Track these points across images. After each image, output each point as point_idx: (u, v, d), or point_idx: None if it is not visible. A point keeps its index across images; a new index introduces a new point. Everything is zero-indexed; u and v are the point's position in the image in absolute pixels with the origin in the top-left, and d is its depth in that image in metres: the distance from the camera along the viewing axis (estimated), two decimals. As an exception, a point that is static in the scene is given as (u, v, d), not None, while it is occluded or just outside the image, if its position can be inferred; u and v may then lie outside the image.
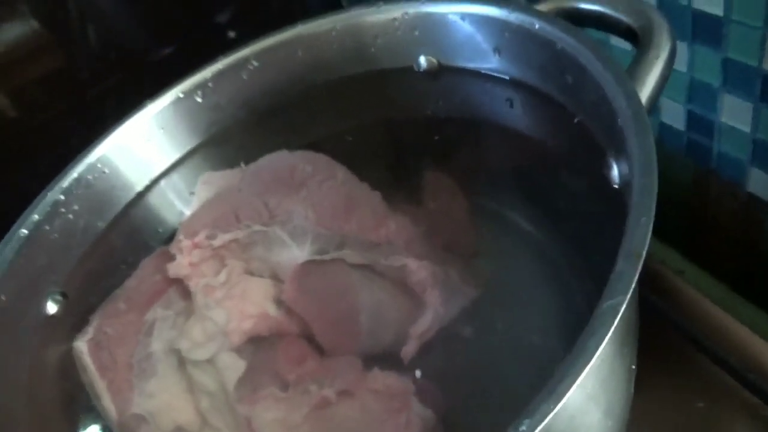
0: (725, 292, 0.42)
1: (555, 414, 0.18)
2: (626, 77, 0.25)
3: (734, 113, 0.40)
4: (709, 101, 0.41)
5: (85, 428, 0.34)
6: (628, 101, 0.24)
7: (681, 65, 0.42)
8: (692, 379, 0.38)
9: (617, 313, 0.17)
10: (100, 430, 0.34)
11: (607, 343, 0.18)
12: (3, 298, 0.32)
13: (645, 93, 0.28)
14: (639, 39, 0.30)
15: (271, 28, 0.41)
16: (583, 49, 0.28)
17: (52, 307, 0.35)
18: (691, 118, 0.44)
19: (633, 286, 0.18)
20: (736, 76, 0.38)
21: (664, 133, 0.47)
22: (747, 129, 0.40)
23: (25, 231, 0.34)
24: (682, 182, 0.49)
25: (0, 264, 0.33)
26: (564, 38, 0.29)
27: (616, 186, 0.26)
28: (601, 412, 0.22)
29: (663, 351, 0.39)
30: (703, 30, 0.38)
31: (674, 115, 0.45)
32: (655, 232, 0.47)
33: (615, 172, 0.26)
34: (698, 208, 0.49)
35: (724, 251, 0.49)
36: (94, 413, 0.34)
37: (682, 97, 0.43)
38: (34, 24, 0.57)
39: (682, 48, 0.41)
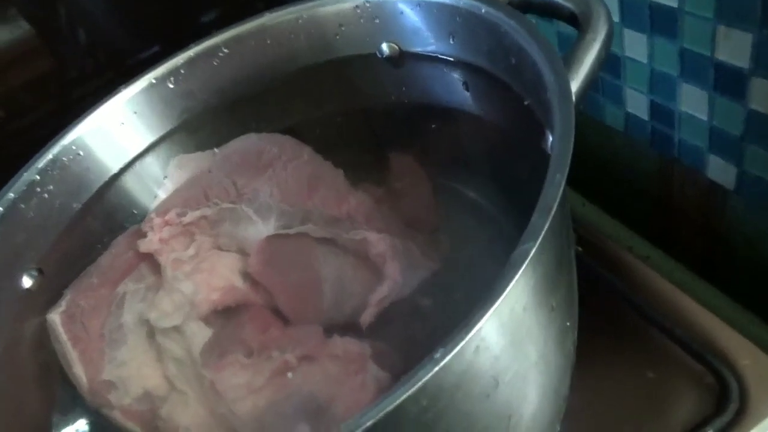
0: (689, 277, 0.44)
1: (476, 349, 0.19)
2: (555, 54, 0.27)
3: (692, 102, 0.42)
4: (669, 91, 0.43)
5: (59, 396, 0.36)
6: (555, 75, 0.26)
7: (642, 56, 0.44)
8: (644, 351, 0.40)
9: (527, 257, 0.19)
10: (73, 398, 0.35)
11: (519, 285, 0.19)
12: (-21, 271, 0.34)
13: (583, 72, 0.30)
14: (580, 23, 0.32)
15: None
16: (522, 31, 0.30)
17: (27, 282, 0.36)
18: (654, 108, 0.45)
19: (543, 234, 0.19)
20: (691, 66, 0.40)
21: (630, 123, 0.48)
22: (704, 117, 0.41)
23: (0, 209, 0.36)
24: (648, 171, 0.51)
25: (-24, 239, 0.34)
26: (506, 21, 0.31)
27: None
28: (530, 362, 0.24)
29: (618, 326, 0.41)
30: (660, 22, 0.40)
31: (638, 106, 0.46)
32: (622, 219, 0.49)
33: (549, 143, 0.27)
34: (663, 196, 0.51)
35: (689, 237, 0.51)
36: (68, 381, 0.35)
37: (644, 87, 0.45)
38: (24, 27, 0.59)
39: (642, 40, 0.43)
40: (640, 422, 0.36)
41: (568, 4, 0.32)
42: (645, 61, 0.43)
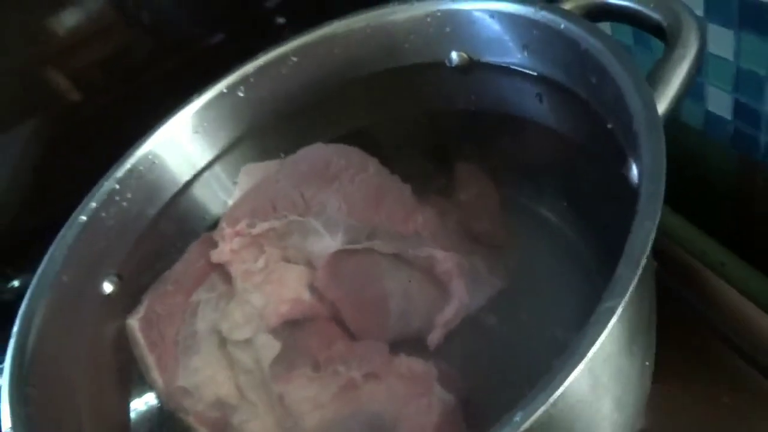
0: (766, 285, 0.41)
1: (552, 404, 0.19)
2: (644, 83, 0.26)
3: (782, 102, 0.39)
4: (756, 90, 0.40)
5: (136, 397, 0.37)
6: (644, 107, 0.24)
7: (728, 53, 0.41)
8: (719, 374, 0.38)
9: (613, 315, 0.18)
10: (149, 399, 0.37)
11: (605, 343, 0.19)
12: (65, 278, 0.35)
13: (669, 92, 0.28)
14: (667, 37, 0.30)
15: (319, 14, 0.42)
16: (605, 51, 0.28)
17: (108, 287, 0.38)
18: (738, 107, 0.43)
19: (631, 289, 0.19)
20: (784, 64, 0.38)
21: (709, 121, 0.46)
22: (794, 119, 0.39)
23: (83, 217, 0.37)
24: (727, 172, 0.48)
25: (61, 248, 0.36)
26: (588, 39, 0.29)
27: (635, 185, 0.26)
28: (611, 405, 0.23)
29: (692, 346, 0.39)
30: (750, 17, 0.37)
31: (720, 104, 0.44)
32: (697, 222, 0.47)
33: (634, 172, 0.26)
34: (743, 199, 0.49)
35: (768, 243, 0.48)
36: (145, 383, 0.37)
37: (728, 85, 0.42)
38: (91, 8, 0.60)
39: (729, 36, 0.40)
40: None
41: (656, 15, 0.30)
42: (731, 58, 0.41)
